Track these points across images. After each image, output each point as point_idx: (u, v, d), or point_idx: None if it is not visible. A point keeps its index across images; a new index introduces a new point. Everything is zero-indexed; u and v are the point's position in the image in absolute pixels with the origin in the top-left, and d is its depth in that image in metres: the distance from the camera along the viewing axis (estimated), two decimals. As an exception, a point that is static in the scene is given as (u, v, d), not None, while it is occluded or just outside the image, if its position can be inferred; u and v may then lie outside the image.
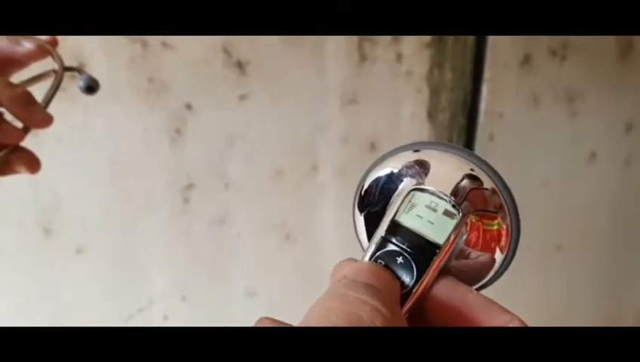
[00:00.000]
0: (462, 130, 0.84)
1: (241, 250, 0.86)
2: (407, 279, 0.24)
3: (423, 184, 0.25)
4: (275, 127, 0.80)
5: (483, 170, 0.26)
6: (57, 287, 0.83)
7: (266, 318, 0.24)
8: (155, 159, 0.78)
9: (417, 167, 0.26)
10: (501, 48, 0.81)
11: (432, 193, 0.25)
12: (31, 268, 0.81)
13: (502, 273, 0.27)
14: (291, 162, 0.82)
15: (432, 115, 0.82)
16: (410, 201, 0.25)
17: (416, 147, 0.27)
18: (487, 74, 0.81)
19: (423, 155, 0.26)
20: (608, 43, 0.85)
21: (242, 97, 0.77)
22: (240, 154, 0.80)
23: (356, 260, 0.25)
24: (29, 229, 0.79)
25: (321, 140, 0.81)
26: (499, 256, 0.26)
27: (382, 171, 0.27)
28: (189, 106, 0.76)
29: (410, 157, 0.26)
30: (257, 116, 0.79)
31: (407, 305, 0.24)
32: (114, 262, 0.83)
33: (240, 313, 0.89)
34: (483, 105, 0.83)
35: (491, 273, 0.26)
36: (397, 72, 0.79)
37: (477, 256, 0.26)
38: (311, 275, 0.90)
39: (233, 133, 0.79)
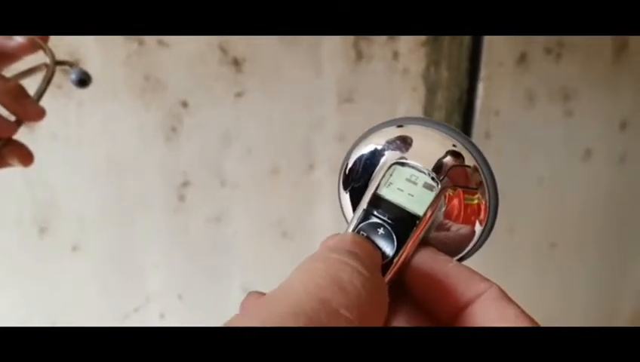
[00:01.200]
0: (458, 128, 0.84)
1: (237, 248, 0.86)
2: (388, 249, 0.25)
3: (404, 158, 0.26)
4: (271, 125, 0.80)
5: (465, 147, 0.26)
6: (53, 285, 0.83)
7: (254, 291, 0.25)
8: (150, 157, 0.78)
9: (400, 143, 0.27)
10: (497, 47, 0.81)
11: (413, 167, 0.26)
12: (27, 266, 0.81)
13: (481, 245, 0.27)
14: (287, 160, 0.82)
15: (428, 112, 0.82)
16: (391, 175, 0.26)
17: (399, 122, 0.28)
18: (483, 72, 0.82)
19: (406, 131, 0.27)
20: (603, 42, 0.85)
21: (238, 95, 0.77)
22: (236, 152, 0.80)
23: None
24: (25, 227, 0.79)
25: (318, 138, 0.81)
26: (478, 229, 0.27)
27: (365, 147, 0.28)
28: (185, 104, 0.76)
29: (393, 132, 0.27)
30: (253, 114, 0.79)
31: (389, 275, 0.25)
32: (110, 260, 0.83)
33: (236, 310, 0.89)
34: (479, 103, 0.83)
35: (471, 244, 0.27)
36: (393, 70, 0.79)
37: (457, 228, 0.27)
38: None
39: (229, 131, 0.79)
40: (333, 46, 0.77)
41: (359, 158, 0.28)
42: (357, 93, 0.80)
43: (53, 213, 0.79)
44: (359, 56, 0.78)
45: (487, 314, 0.23)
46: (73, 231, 0.80)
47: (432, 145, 0.26)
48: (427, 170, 0.26)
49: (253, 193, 0.83)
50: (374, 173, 0.27)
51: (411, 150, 0.26)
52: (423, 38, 0.79)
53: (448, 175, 0.26)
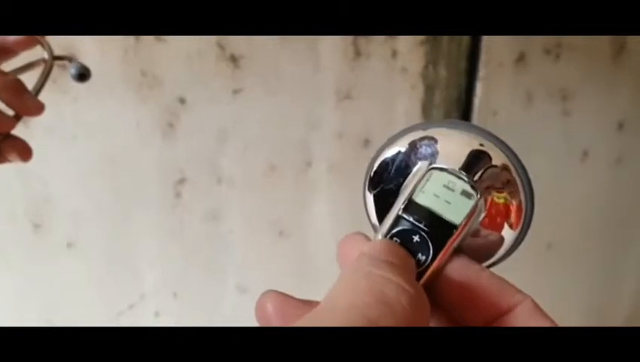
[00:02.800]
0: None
1: (233, 245, 0.86)
2: (422, 257, 0.24)
3: (441, 164, 0.26)
4: (268, 123, 0.80)
5: (494, 144, 0.26)
6: (47, 282, 0.83)
7: (273, 291, 0.24)
8: (147, 153, 0.78)
9: (428, 146, 0.26)
10: (496, 46, 0.81)
11: (451, 172, 0.25)
12: (20, 262, 0.81)
13: (512, 251, 0.27)
14: (285, 158, 0.82)
15: (426, 111, 0.82)
16: (427, 180, 0.25)
17: (424, 126, 0.27)
18: (481, 72, 0.82)
19: (432, 133, 0.27)
20: (602, 43, 0.85)
21: (236, 92, 0.77)
22: (233, 149, 0.80)
23: (365, 235, 0.25)
24: (19, 223, 0.78)
25: (315, 136, 0.81)
26: (509, 234, 0.26)
27: (392, 150, 0.27)
28: (182, 100, 0.76)
29: (419, 135, 0.27)
30: (251, 111, 0.78)
31: (422, 282, 0.24)
32: (105, 257, 0.83)
33: (232, 309, 0.89)
34: (477, 103, 0.83)
35: (501, 251, 0.27)
36: (392, 69, 0.79)
37: (487, 234, 0.26)
38: (304, 271, 0.90)
39: (226, 127, 0.79)
40: (331, 44, 0.77)
41: (389, 161, 0.27)
42: (355, 91, 0.79)
43: (48, 209, 0.78)
44: (357, 54, 0.78)
45: (522, 325, 0.23)
46: (68, 228, 0.80)
47: (459, 146, 0.26)
48: (466, 176, 0.25)
49: (250, 191, 0.83)
50: (408, 178, 0.26)
51: (440, 152, 0.26)
52: (421, 37, 0.78)
53: (483, 177, 0.25)
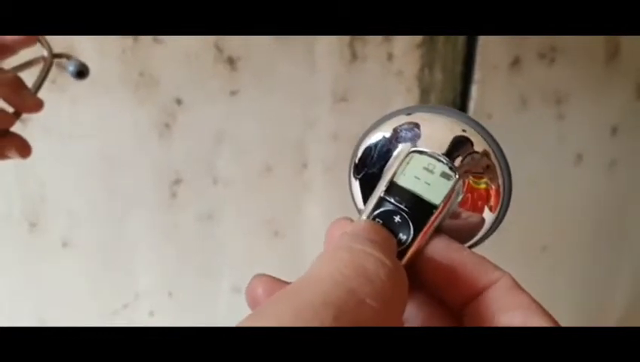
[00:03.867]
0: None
1: (228, 246, 0.86)
2: (403, 237, 0.25)
3: (421, 147, 0.26)
4: (265, 124, 0.80)
5: (475, 131, 0.26)
6: (42, 282, 0.82)
7: (263, 274, 0.25)
8: (143, 153, 0.78)
9: (409, 129, 0.27)
10: (491, 50, 0.81)
11: (430, 155, 0.26)
12: (16, 261, 0.81)
13: (492, 232, 0.28)
14: (281, 159, 0.82)
15: (421, 114, 0.83)
16: (408, 163, 0.26)
17: (408, 111, 0.28)
18: (476, 75, 0.82)
19: (415, 118, 0.27)
20: (596, 47, 0.86)
21: (233, 93, 0.77)
22: (229, 150, 0.80)
23: (351, 219, 0.26)
24: (14, 222, 0.78)
25: (311, 137, 0.81)
26: (489, 216, 0.27)
27: (376, 135, 0.28)
28: (179, 101, 0.76)
29: (402, 120, 0.27)
30: (247, 112, 0.78)
31: (403, 261, 0.25)
32: (100, 257, 0.83)
33: (226, 309, 0.89)
34: (472, 106, 0.84)
35: (482, 232, 0.27)
36: (388, 71, 0.80)
37: (467, 215, 0.27)
38: (298, 272, 0.90)
39: (223, 128, 0.79)
40: (328, 46, 0.77)
41: (372, 146, 0.28)
42: (351, 93, 0.80)
43: (44, 208, 0.78)
44: (354, 56, 0.78)
45: (500, 301, 0.23)
46: (63, 227, 0.80)
47: (442, 131, 0.27)
48: (445, 158, 0.26)
49: (246, 191, 0.83)
50: (390, 161, 0.27)
51: (422, 137, 0.27)
52: (417, 40, 0.79)
53: (462, 160, 0.26)
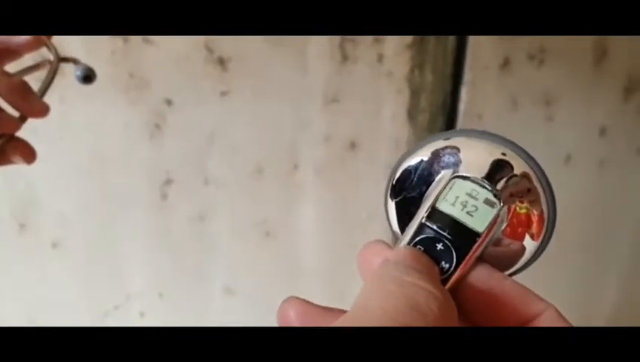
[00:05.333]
0: (441, 131, 0.85)
1: (220, 247, 0.86)
2: (446, 265, 0.24)
3: (463, 172, 0.26)
4: (256, 125, 0.80)
5: (516, 153, 0.26)
6: (32, 283, 0.82)
7: (295, 298, 0.24)
8: (134, 154, 0.78)
9: (450, 155, 0.27)
10: (481, 51, 0.82)
11: (474, 181, 0.26)
12: (5, 262, 0.80)
13: (534, 260, 0.27)
14: (272, 160, 0.82)
15: (412, 115, 0.83)
16: (450, 189, 0.26)
17: (446, 135, 0.27)
18: (466, 76, 0.82)
19: (454, 142, 0.27)
20: (584, 48, 0.86)
21: (223, 94, 0.77)
22: (220, 151, 0.80)
23: (386, 243, 0.26)
24: (4, 223, 0.78)
25: (303, 138, 0.82)
26: (530, 244, 0.26)
27: (414, 159, 0.28)
28: (169, 102, 0.76)
29: (441, 144, 0.27)
30: (238, 113, 0.78)
31: None
32: (91, 258, 0.82)
33: (218, 311, 0.89)
34: (462, 107, 0.84)
35: (523, 260, 0.27)
36: (378, 73, 0.80)
37: (509, 243, 0.26)
38: (290, 273, 0.90)
39: (214, 129, 0.79)
40: (319, 47, 0.77)
41: (411, 169, 0.27)
42: (342, 95, 0.80)
43: (33, 210, 0.78)
44: (345, 57, 0.78)
45: None
46: (53, 228, 0.80)
47: (481, 155, 0.26)
48: (489, 185, 0.25)
49: (237, 192, 0.83)
50: (431, 186, 0.27)
51: (463, 161, 0.26)
52: (407, 41, 0.79)
53: (506, 186, 0.25)
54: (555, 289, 1.04)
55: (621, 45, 0.87)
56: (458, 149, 0.26)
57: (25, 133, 0.72)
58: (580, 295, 1.08)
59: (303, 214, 0.86)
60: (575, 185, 0.96)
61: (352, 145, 0.83)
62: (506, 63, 0.83)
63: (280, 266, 0.89)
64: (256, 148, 0.81)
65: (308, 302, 0.24)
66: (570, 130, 0.91)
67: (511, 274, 0.27)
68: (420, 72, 0.81)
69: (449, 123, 0.85)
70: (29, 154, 0.46)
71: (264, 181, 0.83)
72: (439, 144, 0.27)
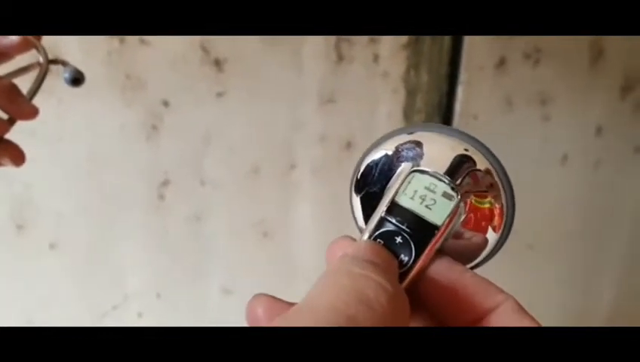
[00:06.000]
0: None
1: (217, 247, 0.86)
2: (405, 258, 0.25)
3: (422, 166, 0.26)
4: (252, 125, 0.80)
5: (477, 150, 0.26)
6: (30, 283, 0.82)
7: (263, 294, 0.25)
8: (131, 155, 0.78)
9: (412, 148, 0.27)
10: (476, 51, 0.82)
11: (432, 175, 0.26)
12: (3, 263, 0.80)
13: (495, 253, 0.27)
14: (268, 160, 0.82)
15: (407, 115, 0.83)
16: (409, 183, 0.26)
17: (410, 130, 0.28)
18: (462, 76, 0.83)
19: (417, 137, 0.27)
20: (580, 48, 0.87)
21: (219, 95, 0.77)
22: (217, 151, 0.80)
23: (352, 238, 0.26)
24: (1, 224, 0.78)
25: (299, 138, 0.82)
26: (492, 236, 0.27)
27: (378, 153, 0.28)
28: (165, 103, 0.76)
29: (404, 139, 0.27)
30: (234, 114, 0.79)
31: (404, 283, 0.25)
32: (88, 259, 0.82)
33: (215, 311, 0.89)
34: (458, 107, 0.84)
35: (485, 253, 0.27)
36: (374, 73, 0.80)
37: (470, 236, 0.27)
38: (287, 273, 0.90)
39: (210, 130, 0.79)
40: (314, 47, 0.77)
41: (373, 164, 0.28)
42: (338, 95, 0.80)
43: (31, 210, 0.78)
44: (340, 58, 0.78)
45: (504, 325, 0.23)
46: (51, 229, 0.80)
47: (444, 150, 0.26)
48: (447, 178, 0.26)
49: (234, 193, 0.83)
50: (391, 180, 0.27)
51: (425, 156, 0.26)
52: (403, 41, 0.79)
53: (464, 180, 0.26)
54: (551, 288, 1.05)
55: (617, 45, 0.88)
56: (421, 144, 0.27)
57: (22, 134, 0.72)
58: (576, 295, 1.08)
59: (300, 214, 0.86)
60: (571, 185, 0.96)
61: (348, 145, 0.83)
62: (501, 63, 0.84)
63: (277, 266, 0.89)
64: (252, 148, 0.81)
65: (276, 299, 0.24)
66: (567, 130, 0.91)
67: (474, 267, 0.27)
68: (416, 72, 0.81)
69: (445, 123, 0.85)
70: (17, 156, 0.46)
71: (261, 181, 0.83)
72: (403, 138, 0.27)
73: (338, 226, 0.88)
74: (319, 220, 0.87)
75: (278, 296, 0.25)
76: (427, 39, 0.80)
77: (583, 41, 0.86)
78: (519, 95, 0.86)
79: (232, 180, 0.82)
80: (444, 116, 0.85)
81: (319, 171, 0.84)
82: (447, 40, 0.81)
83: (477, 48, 0.82)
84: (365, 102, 0.81)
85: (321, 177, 0.84)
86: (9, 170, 0.74)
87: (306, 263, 0.90)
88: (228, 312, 0.89)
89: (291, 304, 0.24)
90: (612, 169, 0.97)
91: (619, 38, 0.87)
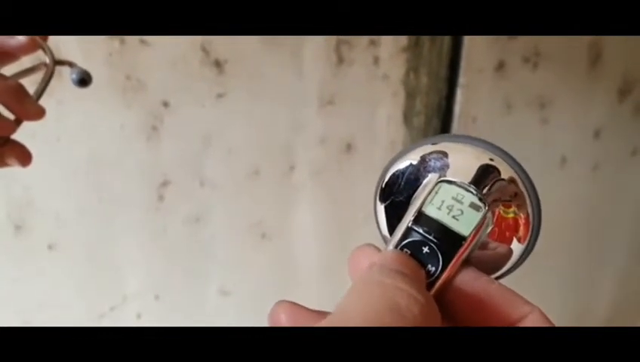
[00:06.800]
0: (436, 134, 0.85)
1: (216, 248, 0.86)
2: (432, 268, 0.25)
3: (450, 177, 0.26)
4: (252, 127, 0.80)
5: (503, 159, 0.26)
6: (28, 284, 0.82)
7: (286, 301, 0.24)
8: (131, 156, 0.78)
9: (440, 159, 0.27)
10: (476, 54, 0.82)
11: (459, 185, 0.26)
12: (1, 264, 0.80)
13: (520, 263, 0.27)
14: (268, 162, 0.82)
15: (407, 118, 0.83)
16: (437, 193, 0.26)
17: (433, 140, 0.28)
18: (461, 79, 0.83)
19: (441, 147, 0.27)
20: (578, 51, 0.87)
21: (220, 96, 0.77)
22: (216, 153, 0.80)
23: (375, 246, 0.26)
24: (0, 225, 0.78)
25: (299, 140, 0.82)
26: (517, 247, 0.27)
27: (403, 163, 0.28)
28: (166, 104, 0.76)
29: (429, 149, 0.27)
30: (234, 115, 0.79)
31: (431, 293, 0.24)
32: (87, 259, 0.82)
33: (214, 312, 0.89)
34: (457, 110, 0.84)
35: (510, 263, 0.27)
36: (374, 75, 0.80)
37: (495, 246, 0.26)
38: (286, 275, 0.90)
39: (210, 131, 0.79)
40: (314, 49, 0.77)
41: (399, 173, 0.28)
42: (338, 97, 0.80)
43: (29, 211, 0.78)
44: (340, 60, 0.78)
45: None
46: (49, 230, 0.79)
47: (469, 160, 0.26)
48: (474, 189, 0.26)
49: (233, 194, 0.83)
50: (418, 190, 0.27)
51: (451, 166, 0.26)
52: (403, 44, 0.79)
53: (491, 190, 0.26)
54: (551, 290, 1.05)
55: (616, 48, 0.88)
56: (446, 154, 0.27)
57: (22, 135, 0.72)
58: (576, 296, 1.08)
59: (299, 216, 0.86)
60: (570, 187, 0.96)
61: (348, 147, 0.83)
62: (500, 66, 0.84)
63: (276, 268, 0.89)
64: (252, 150, 0.81)
65: (299, 306, 0.24)
66: (565, 133, 0.92)
67: (498, 278, 0.27)
68: (416, 75, 0.81)
69: (444, 125, 0.85)
70: (24, 156, 0.46)
71: (260, 183, 0.83)
72: (427, 148, 0.27)
73: (337, 228, 0.88)
74: (318, 222, 0.87)
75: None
76: (427, 42, 0.80)
77: (581, 45, 0.87)
78: (518, 98, 0.87)
79: (232, 181, 0.82)
80: (443, 119, 0.85)
81: (319, 173, 0.84)
82: (446, 43, 0.81)
83: (476, 51, 0.82)
84: (365, 105, 0.82)
85: (320, 179, 0.84)
86: (8, 170, 0.74)
87: (305, 265, 0.90)
88: (226, 314, 0.89)
89: (313, 311, 0.24)
90: (610, 171, 0.98)
91: (617, 41, 0.87)
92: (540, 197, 0.27)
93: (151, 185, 0.80)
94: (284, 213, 0.86)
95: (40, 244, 0.80)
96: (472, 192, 0.26)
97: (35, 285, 0.82)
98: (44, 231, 0.79)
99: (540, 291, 1.07)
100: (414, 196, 0.27)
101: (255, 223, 0.86)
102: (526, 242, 0.27)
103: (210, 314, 0.89)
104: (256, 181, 0.83)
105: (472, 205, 0.25)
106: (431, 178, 0.27)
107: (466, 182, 0.26)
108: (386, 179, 0.28)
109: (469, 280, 0.25)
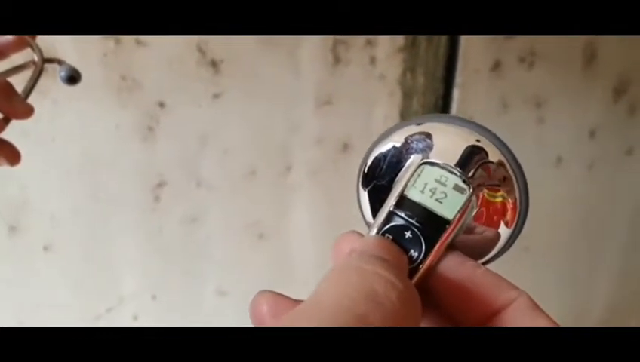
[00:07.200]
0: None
1: (212, 249, 0.86)
2: (415, 254, 0.24)
3: (432, 158, 0.25)
4: (248, 127, 0.80)
5: (490, 141, 0.25)
6: (24, 286, 0.82)
7: (267, 291, 0.24)
8: (126, 156, 0.78)
9: (421, 139, 0.26)
10: (472, 54, 0.82)
11: (442, 167, 0.25)
12: (-4, 265, 0.80)
13: (508, 248, 0.26)
14: (265, 162, 0.82)
15: (404, 117, 0.83)
16: (419, 175, 0.25)
17: (418, 121, 0.27)
18: (458, 79, 0.83)
19: (426, 128, 0.26)
20: (574, 51, 0.87)
21: (216, 96, 0.77)
22: (213, 153, 0.80)
23: (360, 233, 0.25)
24: (-5, 226, 0.77)
25: (295, 140, 0.82)
26: (504, 231, 0.26)
27: (386, 145, 0.27)
28: (161, 104, 0.76)
29: (412, 130, 0.26)
30: (231, 115, 0.78)
31: (414, 280, 0.24)
32: (83, 260, 0.82)
33: (211, 313, 0.89)
34: (454, 109, 0.85)
35: (497, 248, 0.26)
36: (370, 75, 0.80)
37: (482, 230, 0.25)
38: (283, 275, 0.90)
39: (206, 131, 0.79)
40: (311, 49, 0.77)
41: (381, 156, 0.27)
42: (334, 97, 0.80)
43: (24, 212, 0.77)
44: (337, 60, 0.78)
45: (518, 323, 0.22)
46: (45, 231, 0.79)
47: (454, 141, 0.25)
48: (458, 170, 0.24)
49: (230, 194, 0.83)
50: (400, 173, 0.26)
51: (434, 148, 0.25)
52: (400, 44, 0.80)
53: (476, 172, 0.25)
54: (547, 290, 1.05)
55: (611, 47, 0.88)
56: (430, 135, 0.26)
57: (17, 134, 0.71)
58: (572, 296, 1.09)
59: (296, 216, 0.86)
60: (566, 187, 0.97)
61: (345, 147, 0.83)
62: (496, 66, 0.84)
63: (273, 268, 0.89)
64: (248, 150, 0.81)
65: (281, 296, 0.24)
66: (561, 132, 0.92)
67: (485, 263, 0.26)
68: (412, 75, 0.81)
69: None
70: (13, 156, 0.45)
71: (257, 183, 0.83)
72: (412, 129, 0.26)
73: (334, 228, 0.88)
74: (315, 222, 0.87)
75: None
76: (423, 42, 0.80)
77: (576, 44, 0.87)
78: (514, 98, 0.87)
79: (228, 182, 0.82)
80: (439, 118, 0.85)
81: (315, 173, 0.84)
82: (443, 43, 0.81)
83: (472, 51, 0.82)
84: (362, 105, 0.82)
85: (317, 179, 0.84)
86: (2, 170, 0.74)
87: (302, 265, 0.90)
88: (223, 314, 0.89)
89: (296, 301, 0.23)
90: (606, 171, 0.98)
91: (612, 42, 0.87)
92: (535, 195, 0.26)
93: (147, 185, 0.80)
94: (280, 213, 0.86)
95: (35, 245, 0.80)
96: (455, 174, 0.24)
97: (30, 286, 0.82)
98: (40, 232, 0.79)
99: (536, 290, 1.07)
100: (396, 179, 0.26)
101: (252, 223, 0.86)
102: (513, 226, 0.26)
103: (208, 315, 0.89)
104: (252, 181, 0.83)
105: (456, 187, 0.24)
106: (413, 160, 0.25)
107: (451, 164, 0.25)
108: (368, 164, 0.27)
109: (454, 265, 0.24)
